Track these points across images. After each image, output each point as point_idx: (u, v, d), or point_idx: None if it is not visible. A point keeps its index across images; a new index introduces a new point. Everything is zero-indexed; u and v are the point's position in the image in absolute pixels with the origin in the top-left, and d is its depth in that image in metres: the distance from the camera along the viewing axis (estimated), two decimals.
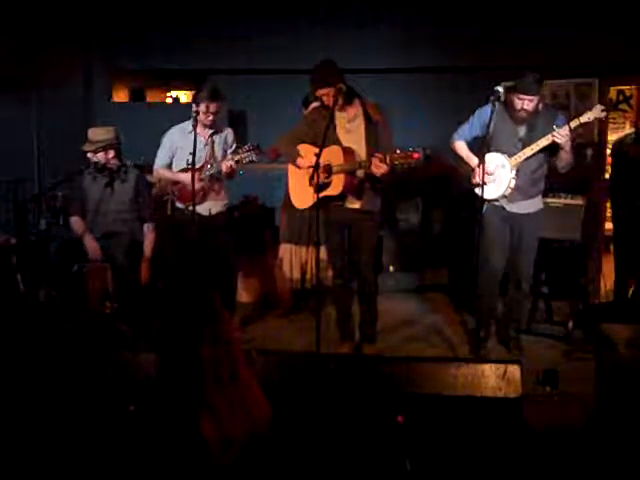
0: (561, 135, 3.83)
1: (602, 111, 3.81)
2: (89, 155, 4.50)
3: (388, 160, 3.71)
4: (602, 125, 5.77)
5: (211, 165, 4.37)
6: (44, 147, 6.47)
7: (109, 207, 4.56)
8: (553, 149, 3.97)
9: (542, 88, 3.95)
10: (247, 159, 4.29)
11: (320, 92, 3.91)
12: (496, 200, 4.09)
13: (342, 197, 3.99)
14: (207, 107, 4.28)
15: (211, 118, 4.34)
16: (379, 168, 3.75)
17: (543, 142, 3.91)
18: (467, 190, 4.33)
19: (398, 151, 3.70)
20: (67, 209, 4.74)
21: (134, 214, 4.61)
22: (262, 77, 6.55)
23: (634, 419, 2.91)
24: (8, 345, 3.69)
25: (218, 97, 4.31)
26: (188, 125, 4.28)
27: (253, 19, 6.34)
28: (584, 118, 3.85)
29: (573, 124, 3.85)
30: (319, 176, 3.76)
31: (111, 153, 4.50)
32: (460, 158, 4.26)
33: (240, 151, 4.33)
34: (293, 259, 5.13)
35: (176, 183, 4.52)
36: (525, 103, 3.91)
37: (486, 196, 4.04)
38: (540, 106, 4.02)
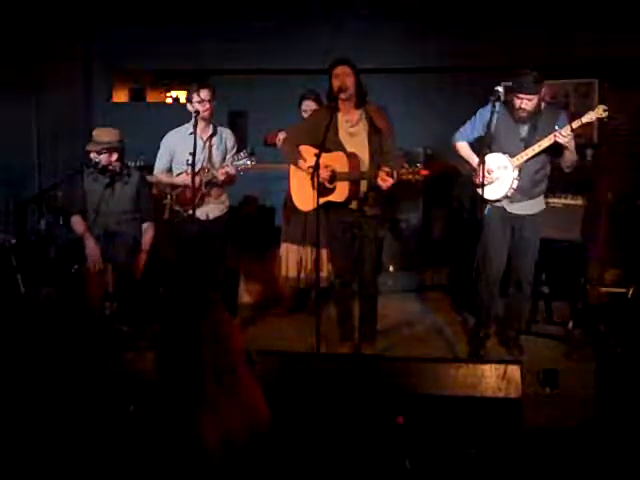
0: (563, 136, 3.82)
1: (604, 111, 3.80)
2: (92, 155, 4.49)
3: (395, 175, 3.72)
4: (602, 125, 5.77)
5: (208, 171, 4.37)
6: (44, 147, 6.46)
7: (110, 208, 4.54)
8: (556, 149, 3.96)
9: (541, 87, 3.93)
10: (243, 166, 4.30)
11: (339, 69, 3.88)
12: (498, 201, 4.08)
13: (346, 204, 4.00)
14: (198, 94, 4.29)
15: (207, 107, 4.32)
16: (385, 182, 3.77)
17: (545, 143, 3.90)
18: (468, 190, 4.33)
19: (406, 165, 3.71)
20: (68, 208, 4.72)
21: (135, 215, 4.60)
22: (262, 77, 6.55)
23: (634, 419, 2.91)
24: (8, 345, 3.69)
25: (205, 84, 4.36)
26: (188, 127, 4.28)
27: (254, 19, 6.34)
28: (586, 118, 3.84)
29: (575, 124, 3.83)
30: (319, 176, 3.76)
31: (114, 155, 4.48)
32: (461, 158, 4.26)
33: (237, 157, 4.33)
34: (293, 258, 5.12)
35: (174, 187, 4.52)
36: (524, 102, 3.89)
37: (489, 197, 4.03)
38: (542, 105, 4.01)
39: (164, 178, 4.56)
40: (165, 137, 4.54)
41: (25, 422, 2.81)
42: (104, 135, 4.49)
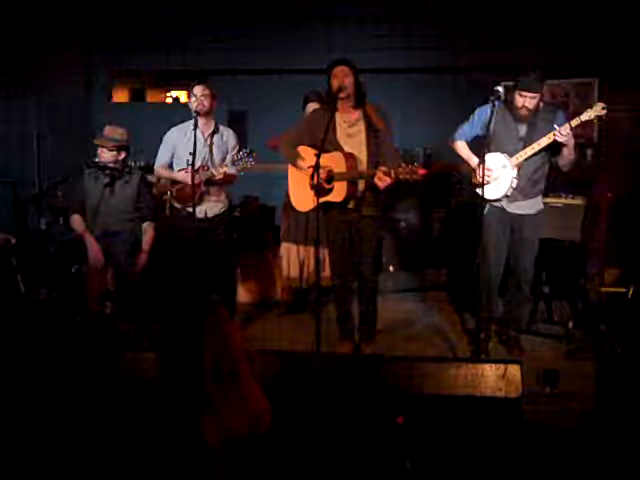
0: (562, 134, 3.81)
1: (603, 109, 3.80)
2: (99, 151, 4.50)
3: (393, 174, 3.72)
4: (602, 125, 5.78)
5: (207, 168, 4.37)
6: (44, 147, 6.47)
7: (110, 207, 4.55)
8: (555, 148, 3.96)
9: (544, 85, 3.94)
10: (242, 165, 4.31)
11: (337, 69, 3.89)
12: (498, 200, 4.08)
13: (344, 204, 3.99)
14: (193, 91, 4.34)
15: (201, 102, 4.34)
16: (383, 181, 3.76)
17: (544, 141, 3.90)
18: (467, 190, 4.32)
19: (403, 164, 3.70)
20: (67, 207, 4.73)
21: (135, 214, 4.61)
22: (262, 77, 6.55)
23: (634, 419, 2.91)
24: (8, 345, 3.69)
25: (199, 81, 4.39)
26: (189, 125, 4.30)
27: (253, 19, 6.35)
28: (585, 116, 3.84)
29: (574, 122, 3.83)
30: (319, 176, 3.76)
31: (122, 154, 4.55)
32: (460, 158, 4.26)
33: (235, 157, 4.35)
34: (294, 258, 5.13)
35: (175, 183, 4.53)
36: (527, 101, 3.89)
37: (488, 196, 4.03)
38: (540, 104, 4.02)
39: (164, 173, 4.58)
40: (167, 133, 4.56)
41: (25, 422, 2.81)
42: (116, 133, 4.54)
